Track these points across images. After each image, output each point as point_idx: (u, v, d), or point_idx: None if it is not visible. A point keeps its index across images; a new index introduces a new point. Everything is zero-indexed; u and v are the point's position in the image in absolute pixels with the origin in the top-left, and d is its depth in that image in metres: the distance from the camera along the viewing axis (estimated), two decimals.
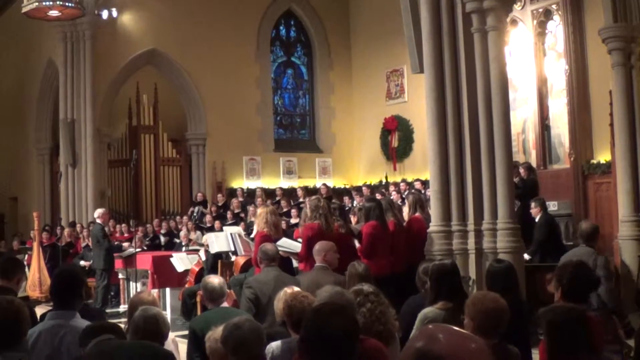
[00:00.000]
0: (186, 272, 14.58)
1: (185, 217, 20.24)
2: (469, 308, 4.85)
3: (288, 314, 5.42)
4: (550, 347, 3.98)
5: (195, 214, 20.51)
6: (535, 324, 6.98)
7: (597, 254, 9.40)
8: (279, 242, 9.39)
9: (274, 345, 5.42)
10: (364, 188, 20.83)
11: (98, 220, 16.19)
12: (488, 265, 7.58)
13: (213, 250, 13.51)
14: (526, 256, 11.73)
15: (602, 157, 16.76)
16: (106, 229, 16.42)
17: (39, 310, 6.31)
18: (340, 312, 3.41)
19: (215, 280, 6.68)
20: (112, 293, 16.75)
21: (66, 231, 19.80)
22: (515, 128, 16.31)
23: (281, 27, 25.96)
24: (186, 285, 14.20)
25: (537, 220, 12.39)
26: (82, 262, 17.78)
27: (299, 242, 9.96)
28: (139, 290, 15.12)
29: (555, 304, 4.60)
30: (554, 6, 18.22)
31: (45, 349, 4.88)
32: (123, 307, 15.79)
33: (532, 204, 12.69)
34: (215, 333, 4.98)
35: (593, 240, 9.36)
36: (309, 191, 21.65)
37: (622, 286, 12.37)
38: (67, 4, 17.58)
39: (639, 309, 11.92)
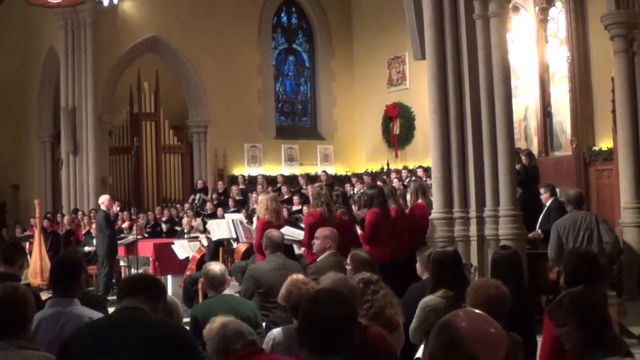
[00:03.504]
0: (187, 259, 14.58)
1: (186, 205, 20.25)
2: (470, 295, 4.84)
3: (288, 300, 5.42)
4: (580, 331, 3.96)
5: (196, 202, 20.51)
6: (536, 311, 6.99)
7: (591, 214, 10.42)
8: (283, 230, 9.38)
9: (276, 332, 5.43)
10: (364, 176, 20.80)
11: (102, 207, 16.19)
12: (494, 252, 7.56)
13: (215, 237, 13.51)
14: (539, 232, 11.77)
15: (604, 144, 16.73)
16: (111, 214, 16.41)
17: (43, 296, 6.29)
18: (337, 298, 3.40)
19: (216, 267, 6.67)
20: (114, 280, 16.75)
21: (66, 218, 19.79)
22: (517, 115, 16.27)
23: (282, 14, 25.92)
24: (188, 273, 14.20)
25: (547, 205, 12.31)
26: (86, 248, 17.82)
27: (302, 228, 9.97)
28: None
29: (575, 289, 4.58)
30: None
31: (46, 336, 4.86)
32: None
33: (542, 190, 12.66)
34: (214, 323, 4.98)
35: (582, 204, 10.30)
36: (311, 178, 21.65)
37: (624, 272, 12.36)
38: None
39: None
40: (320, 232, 8.30)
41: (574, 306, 3.99)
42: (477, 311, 2.70)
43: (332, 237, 8.14)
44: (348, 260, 6.65)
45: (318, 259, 8.11)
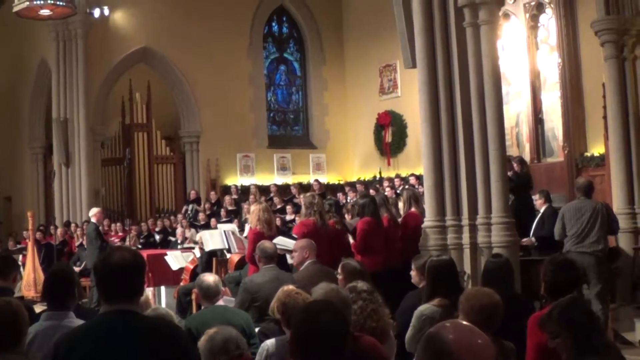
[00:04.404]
0: (181, 270, 14.56)
1: (180, 215, 20.23)
2: (462, 304, 4.85)
3: (282, 312, 5.42)
4: (571, 342, 4.00)
5: (189, 212, 20.50)
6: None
7: (601, 203, 10.83)
8: (274, 240, 9.37)
9: (269, 343, 5.42)
10: (357, 184, 20.82)
11: (92, 219, 16.14)
12: (486, 261, 7.57)
13: (207, 248, 13.50)
14: (533, 239, 11.85)
15: (596, 149, 16.78)
16: (100, 228, 16.34)
17: (37, 309, 6.27)
18: (328, 309, 3.40)
19: (210, 278, 6.66)
20: None
21: (59, 230, 19.75)
22: (508, 122, 16.33)
23: (273, 24, 25.95)
24: (181, 283, 14.17)
25: (542, 211, 12.35)
26: (75, 268, 17.67)
27: (295, 238, 9.96)
28: None
29: (562, 300, 4.63)
30: None
31: (40, 350, 4.84)
32: None
33: (537, 196, 12.70)
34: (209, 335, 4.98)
35: (591, 192, 10.75)
36: (303, 187, 21.65)
37: (618, 279, 12.37)
38: (58, 2, 17.49)
39: (634, 301, 11.95)
40: (297, 243, 8.34)
41: (564, 317, 4.04)
42: (464, 322, 2.75)
43: (309, 247, 8.17)
44: (339, 270, 6.66)
45: (300, 269, 8.13)
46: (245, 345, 4.81)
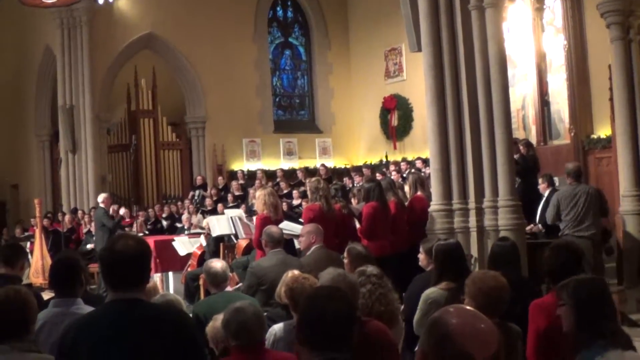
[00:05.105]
0: (188, 255, 14.60)
1: (186, 201, 20.26)
2: (469, 287, 4.85)
3: (290, 297, 5.42)
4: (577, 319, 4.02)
5: (196, 198, 20.52)
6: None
7: (593, 187, 11.52)
8: (281, 225, 9.39)
9: (277, 328, 5.44)
10: (364, 168, 20.81)
11: (101, 205, 16.20)
12: (492, 244, 7.58)
13: (215, 233, 13.52)
14: (540, 226, 11.95)
15: (602, 131, 16.73)
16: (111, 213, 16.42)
17: (45, 296, 6.29)
18: (335, 295, 3.41)
19: (217, 264, 6.67)
20: None
21: (67, 217, 19.80)
22: (514, 104, 16.27)
23: (278, 8, 25.88)
24: (189, 269, 14.22)
25: (545, 195, 12.39)
26: (88, 246, 17.76)
27: (301, 223, 9.98)
28: None
29: (584, 276, 4.66)
30: None
31: (49, 337, 4.86)
32: None
33: (540, 180, 12.75)
34: (217, 322, 5.00)
35: (580, 176, 11.22)
36: (310, 172, 21.66)
37: (624, 261, 12.37)
38: None
39: None
40: (304, 228, 8.35)
41: (575, 291, 4.05)
42: (468, 307, 2.76)
43: (316, 231, 8.18)
44: (345, 254, 6.67)
45: (306, 254, 8.14)
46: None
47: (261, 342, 4.72)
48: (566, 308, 4.05)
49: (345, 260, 6.58)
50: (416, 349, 5.37)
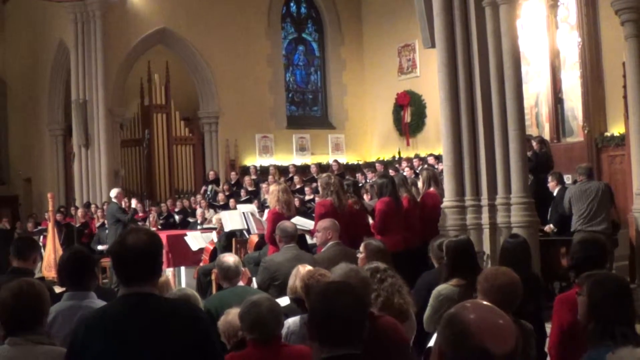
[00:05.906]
0: (201, 250, 14.61)
1: (199, 196, 20.28)
2: (481, 284, 4.82)
3: (307, 293, 5.41)
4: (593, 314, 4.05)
5: (208, 193, 20.55)
6: (548, 298, 7.00)
7: (604, 183, 12.12)
8: (293, 220, 9.37)
9: (291, 321, 5.44)
10: (377, 164, 20.79)
11: (114, 200, 16.25)
12: (503, 241, 7.57)
13: (227, 228, 13.52)
14: (552, 226, 12.01)
15: (616, 129, 16.67)
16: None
17: (57, 290, 6.30)
18: (345, 291, 3.41)
19: (230, 259, 6.66)
20: None
21: (80, 211, 19.86)
22: (528, 102, 16.24)
23: (292, 4, 25.90)
24: (201, 264, 14.23)
25: (555, 194, 12.39)
26: (99, 247, 17.72)
27: (313, 218, 9.97)
28: None
29: (606, 273, 4.70)
30: None
31: (62, 330, 4.87)
32: None
33: (549, 178, 12.74)
34: (229, 316, 5.01)
35: (593, 175, 11.88)
36: (322, 168, 21.67)
37: (637, 258, 12.33)
38: None
39: None
40: (320, 224, 8.31)
41: (591, 289, 4.07)
42: (485, 302, 2.70)
43: (333, 227, 8.13)
44: (361, 249, 6.65)
45: (322, 250, 8.12)
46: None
47: (277, 336, 4.73)
48: (582, 298, 4.08)
49: (361, 255, 6.56)
50: (428, 345, 5.38)
